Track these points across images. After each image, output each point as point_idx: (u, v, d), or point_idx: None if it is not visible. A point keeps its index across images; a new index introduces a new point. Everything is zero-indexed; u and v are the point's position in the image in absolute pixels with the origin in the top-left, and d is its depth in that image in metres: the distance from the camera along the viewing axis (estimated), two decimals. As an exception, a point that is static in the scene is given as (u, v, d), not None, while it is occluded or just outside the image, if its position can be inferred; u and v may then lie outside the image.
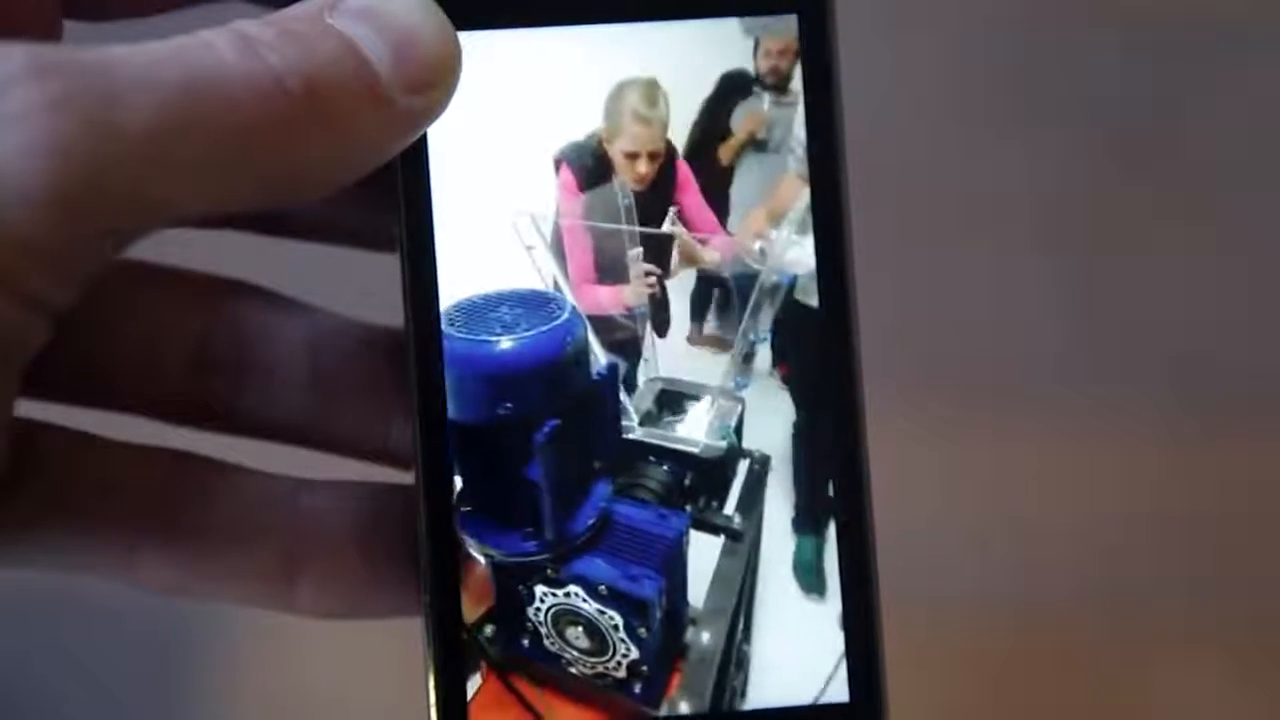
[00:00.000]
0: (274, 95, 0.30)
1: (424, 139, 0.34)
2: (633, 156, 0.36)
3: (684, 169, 0.36)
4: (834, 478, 0.35)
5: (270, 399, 0.37)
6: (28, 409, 0.33)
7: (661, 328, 0.37)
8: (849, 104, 0.35)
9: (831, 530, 0.36)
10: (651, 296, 0.37)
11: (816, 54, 0.35)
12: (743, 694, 0.36)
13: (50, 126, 0.28)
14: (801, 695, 0.35)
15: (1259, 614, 0.78)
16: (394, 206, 0.35)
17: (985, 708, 0.78)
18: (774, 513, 0.36)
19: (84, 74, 0.29)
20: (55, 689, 0.77)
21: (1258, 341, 0.81)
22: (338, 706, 0.77)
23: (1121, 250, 0.81)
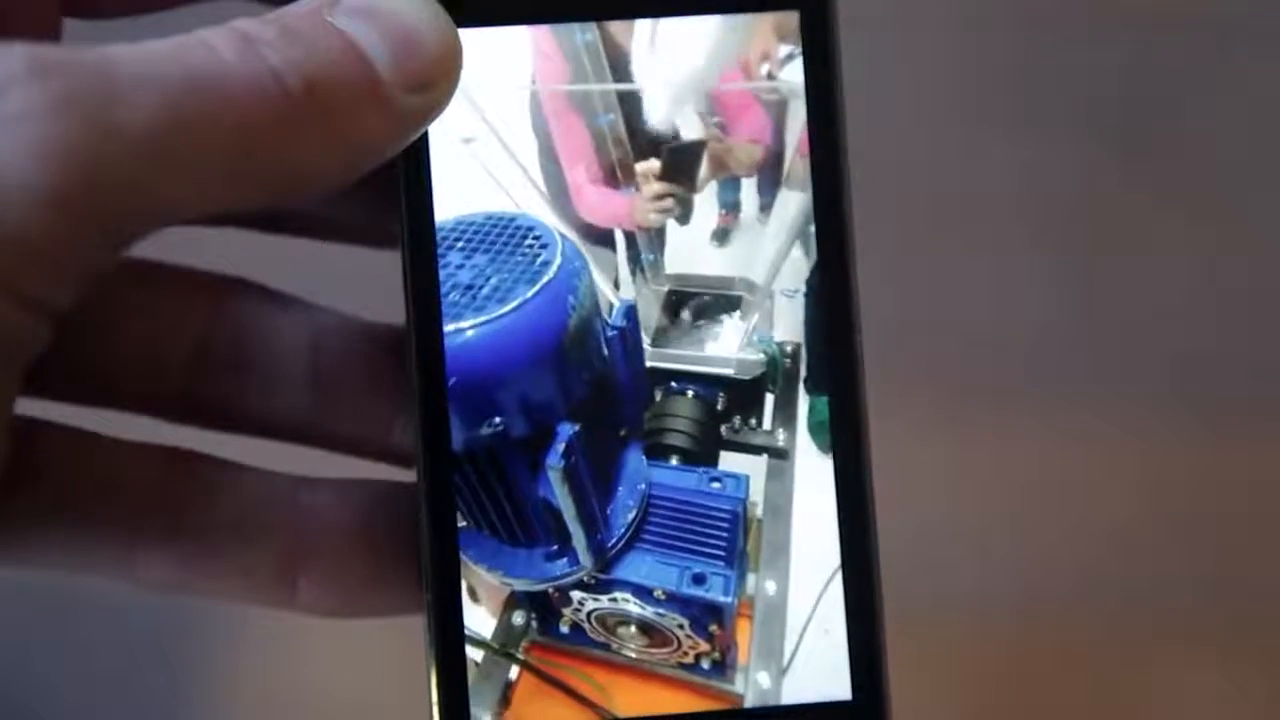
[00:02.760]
0: (274, 94, 0.30)
1: (425, 137, 0.34)
2: None
3: None
4: (837, 497, 0.34)
5: (271, 397, 0.37)
6: (28, 408, 0.33)
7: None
8: (849, 103, 0.35)
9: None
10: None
11: (818, 52, 0.35)
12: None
13: (51, 126, 0.28)
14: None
15: (1259, 614, 0.78)
16: (395, 204, 0.35)
17: (985, 707, 0.77)
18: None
19: (84, 73, 0.29)
20: (56, 688, 0.77)
21: (1258, 341, 0.81)
22: (338, 706, 0.77)
23: (1121, 250, 0.81)
